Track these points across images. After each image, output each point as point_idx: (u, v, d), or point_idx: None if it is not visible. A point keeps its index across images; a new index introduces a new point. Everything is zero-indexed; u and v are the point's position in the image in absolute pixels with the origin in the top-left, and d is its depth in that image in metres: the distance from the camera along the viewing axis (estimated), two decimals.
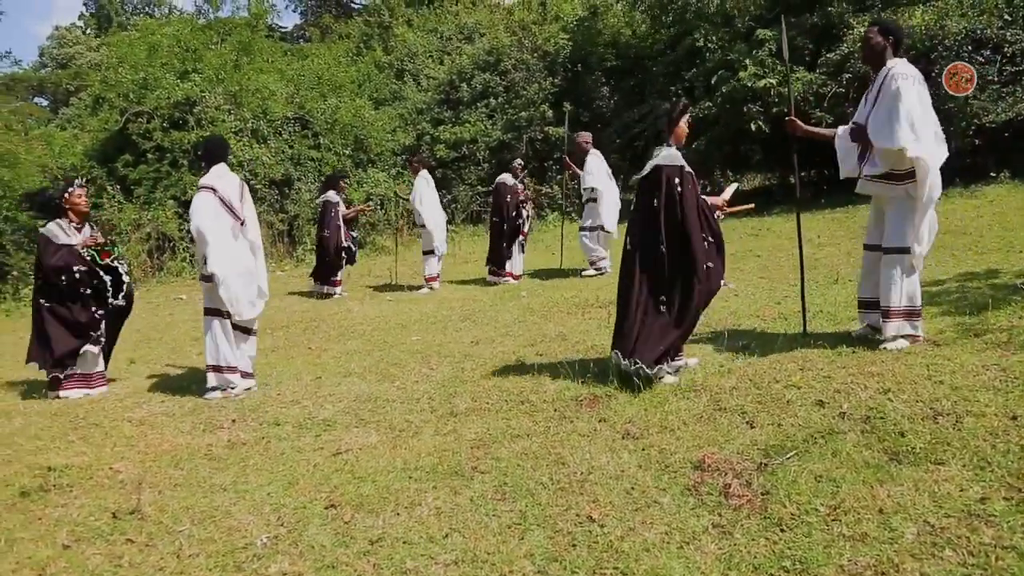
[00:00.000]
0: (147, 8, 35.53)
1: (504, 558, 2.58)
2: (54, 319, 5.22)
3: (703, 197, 4.21)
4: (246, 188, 5.14)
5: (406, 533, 2.82)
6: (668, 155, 4.17)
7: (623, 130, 14.41)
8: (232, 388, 4.94)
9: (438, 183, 10.95)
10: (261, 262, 5.16)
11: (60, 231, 5.27)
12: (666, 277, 4.13)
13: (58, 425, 4.58)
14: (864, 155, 4.22)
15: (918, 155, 3.86)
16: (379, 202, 14.37)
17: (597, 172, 8.82)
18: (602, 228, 8.78)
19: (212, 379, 4.95)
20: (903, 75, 3.97)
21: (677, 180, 4.11)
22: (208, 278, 4.86)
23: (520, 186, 9.35)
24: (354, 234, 9.64)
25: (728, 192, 4.57)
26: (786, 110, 4.65)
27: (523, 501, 2.98)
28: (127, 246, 12.19)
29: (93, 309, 5.27)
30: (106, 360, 5.51)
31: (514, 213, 9.07)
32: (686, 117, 4.34)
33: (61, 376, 5.25)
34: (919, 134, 3.88)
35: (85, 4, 38.32)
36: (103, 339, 5.37)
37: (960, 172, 9.27)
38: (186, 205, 5.78)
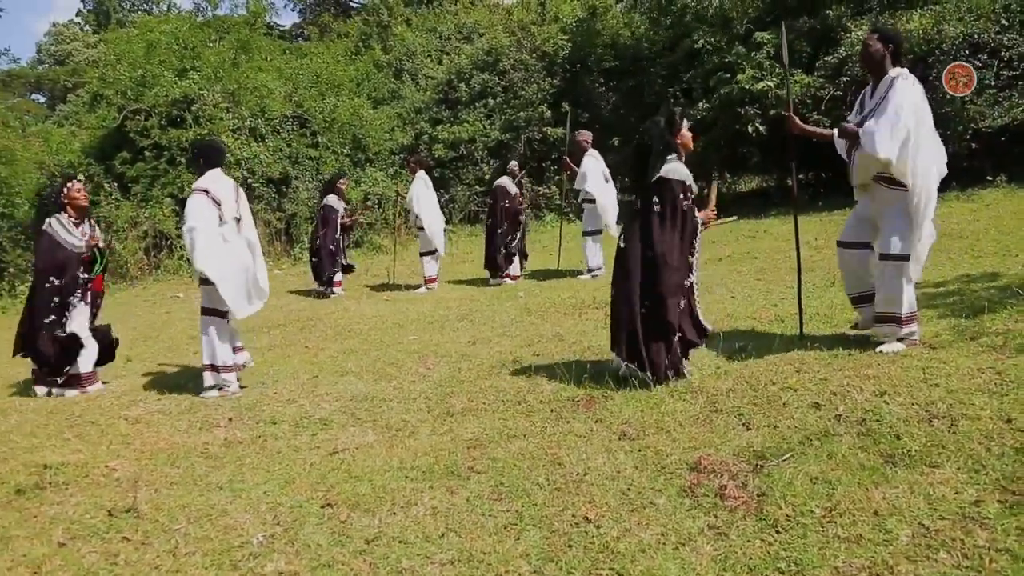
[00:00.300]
0: (145, 5, 35.43)
1: (500, 558, 2.58)
2: (48, 336, 5.18)
3: (697, 217, 4.19)
4: (241, 191, 5.15)
5: (402, 532, 2.82)
6: (674, 169, 4.10)
7: (622, 131, 14.42)
8: (228, 387, 4.95)
9: (436, 183, 10.93)
10: (260, 261, 5.16)
11: (62, 228, 5.30)
12: (653, 280, 4.11)
13: (54, 423, 4.58)
14: (850, 155, 4.24)
15: (903, 172, 3.90)
16: (377, 201, 14.36)
17: (592, 175, 8.63)
18: (605, 227, 8.65)
19: (208, 378, 4.95)
20: (906, 86, 3.97)
21: (681, 195, 4.09)
22: (206, 280, 4.87)
23: (519, 192, 9.33)
24: (345, 245, 9.54)
25: (712, 197, 4.54)
26: (784, 112, 4.65)
27: (519, 501, 2.98)
28: (124, 244, 12.18)
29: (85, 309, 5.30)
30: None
31: (508, 222, 9.04)
32: (687, 123, 4.32)
33: (59, 380, 5.26)
34: (912, 155, 3.90)
35: (83, 1, 38.26)
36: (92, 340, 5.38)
37: (957, 176, 9.25)
38: (183, 203, 5.79)
